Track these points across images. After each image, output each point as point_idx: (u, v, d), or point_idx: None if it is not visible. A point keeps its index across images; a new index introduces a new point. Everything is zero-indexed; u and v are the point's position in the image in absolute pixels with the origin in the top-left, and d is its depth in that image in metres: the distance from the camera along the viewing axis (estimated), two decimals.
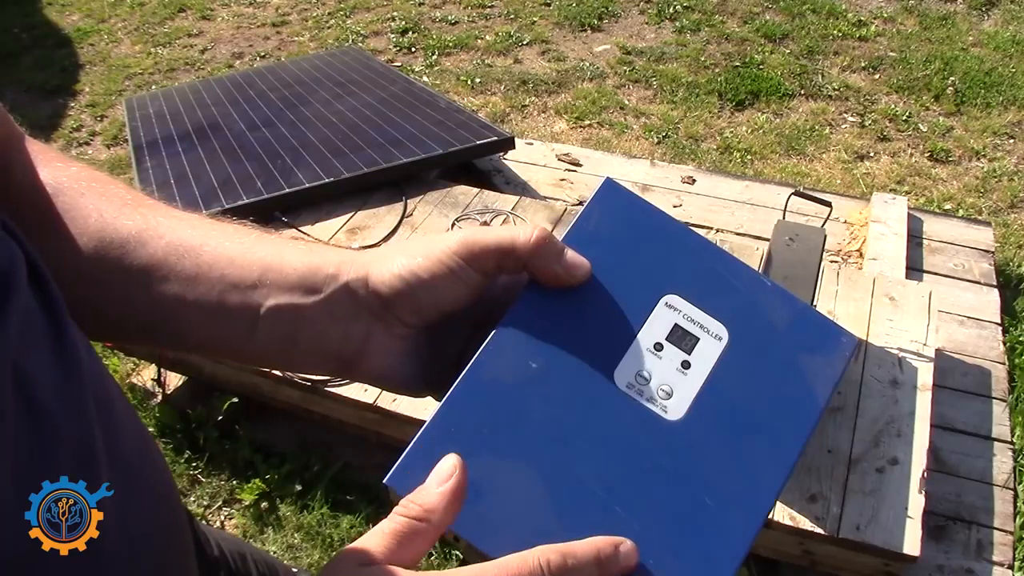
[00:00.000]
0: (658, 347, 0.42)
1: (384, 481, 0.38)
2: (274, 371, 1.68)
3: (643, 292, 0.43)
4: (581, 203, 2.35)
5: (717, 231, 2.27)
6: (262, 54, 3.83)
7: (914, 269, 2.15)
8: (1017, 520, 1.60)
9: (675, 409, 0.41)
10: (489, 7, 4.09)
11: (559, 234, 0.43)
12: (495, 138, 2.29)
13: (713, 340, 0.42)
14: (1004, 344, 1.95)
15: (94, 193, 0.46)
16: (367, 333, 0.43)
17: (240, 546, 0.69)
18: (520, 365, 0.41)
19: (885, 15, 3.81)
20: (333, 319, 0.42)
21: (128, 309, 0.44)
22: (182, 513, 0.49)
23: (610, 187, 0.46)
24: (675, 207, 2.37)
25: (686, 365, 0.42)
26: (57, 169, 0.46)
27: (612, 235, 0.45)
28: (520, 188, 2.45)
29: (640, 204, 0.46)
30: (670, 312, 0.43)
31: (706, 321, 0.43)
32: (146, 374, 2.05)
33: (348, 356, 0.43)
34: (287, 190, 2.08)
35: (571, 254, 0.42)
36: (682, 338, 0.42)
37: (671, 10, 3.91)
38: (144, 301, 0.44)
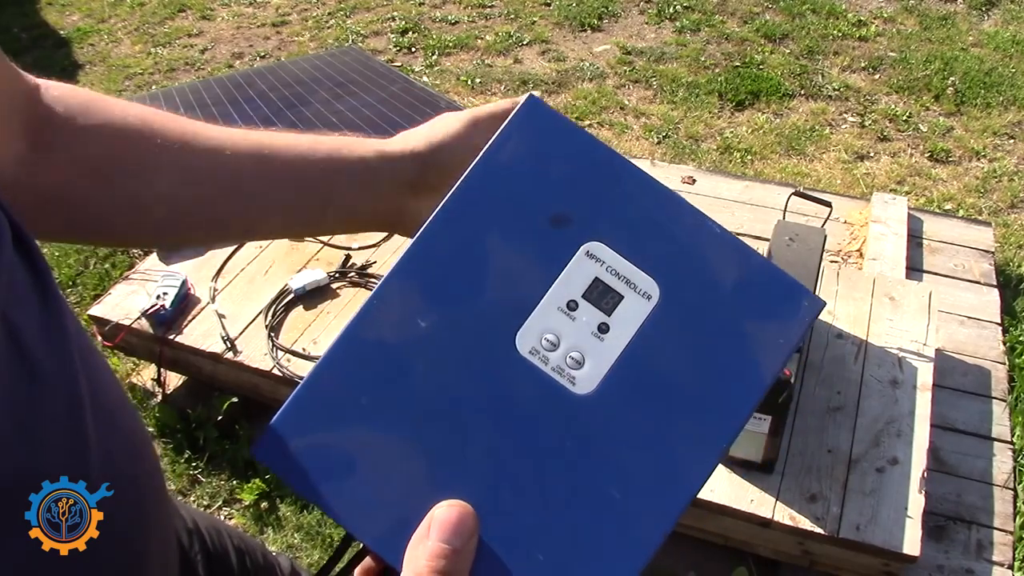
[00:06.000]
0: (572, 305, 0.36)
1: (252, 451, 0.35)
2: (274, 370, 1.68)
3: (561, 238, 0.36)
4: None
5: None
6: (262, 54, 3.83)
7: (914, 269, 2.14)
8: (1017, 520, 1.60)
9: (585, 381, 0.35)
10: (489, 7, 4.09)
11: None
12: None
13: (640, 298, 0.36)
14: (1004, 344, 1.95)
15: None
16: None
17: (215, 522, 0.69)
18: (407, 323, 0.35)
19: (885, 15, 3.81)
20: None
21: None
22: (161, 479, 0.49)
23: (533, 107, 0.38)
24: None
25: (604, 328, 0.35)
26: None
27: (530, 167, 0.37)
28: None
29: (570, 130, 0.38)
30: (591, 263, 0.36)
31: (634, 275, 0.36)
32: (146, 374, 2.05)
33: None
34: None
35: None
36: (602, 295, 0.36)
37: (671, 10, 3.90)
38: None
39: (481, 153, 0.38)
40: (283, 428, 0.35)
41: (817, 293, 1.60)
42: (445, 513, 0.32)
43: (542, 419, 0.34)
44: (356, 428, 0.34)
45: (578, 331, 0.35)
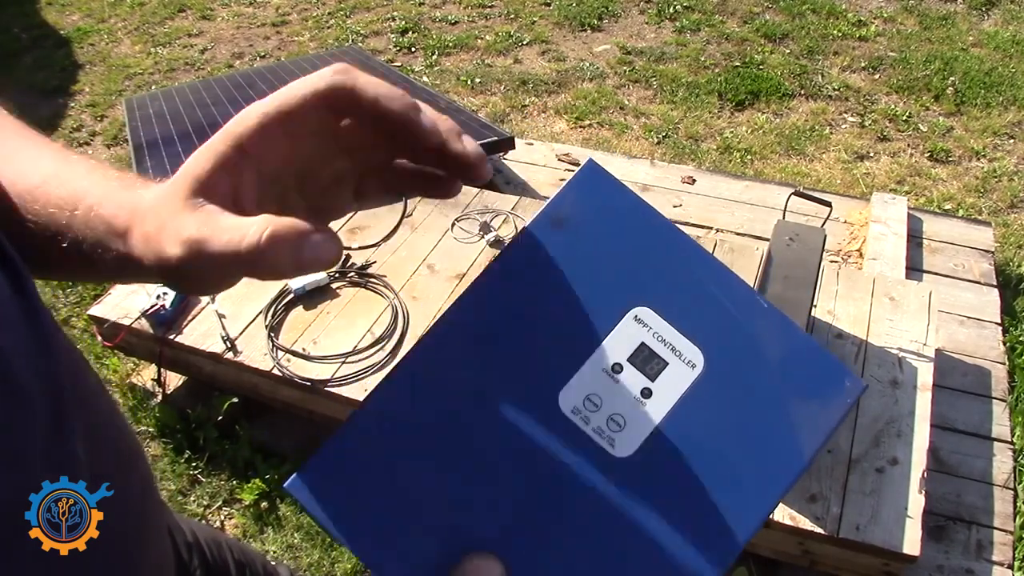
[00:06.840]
0: (617, 368, 0.36)
1: (285, 485, 0.35)
2: (273, 370, 1.68)
3: (610, 300, 0.37)
4: None
5: (717, 231, 2.27)
6: (262, 54, 3.83)
7: (914, 269, 2.14)
8: (1017, 520, 1.60)
9: (624, 444, 0.35)
10: (489, 7, 4.09)
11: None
12: (495, 138, 2.29)
13: (684, 367, 0.36)
14: (1004, 344, 1.95)
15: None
16: None
17: (215, 534, 0.69)
18: (452, 372, 0.36)
19: (885, 15, 3.81)
20: None
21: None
22: (154, 489, 0.49)
23: (592, 171, 0.39)
24: (675, 207, 2.37)
25: (646, 393, 0.36)
26: None
27: (585, 228, 0.38)
28: (520, 188, 2.45)
29: (625, 196, 0.39)
30: (638, 328, 0.37)
31: (680, 343, 0.37)
32: (146, 374, 2.05)
33: None
34: None
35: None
36: (647, 360, 0.36)
37: (671, 10, 3.91)
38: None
39: (538, 212, 0.39)
40: (319, 468, 0.35)
41: (817, 293, 1.60)
42: (474, 566, 0.33)
43: (577, 478, 0.35)
44: (392, 473, 0.35)
45: (621, 394, 0.36)
